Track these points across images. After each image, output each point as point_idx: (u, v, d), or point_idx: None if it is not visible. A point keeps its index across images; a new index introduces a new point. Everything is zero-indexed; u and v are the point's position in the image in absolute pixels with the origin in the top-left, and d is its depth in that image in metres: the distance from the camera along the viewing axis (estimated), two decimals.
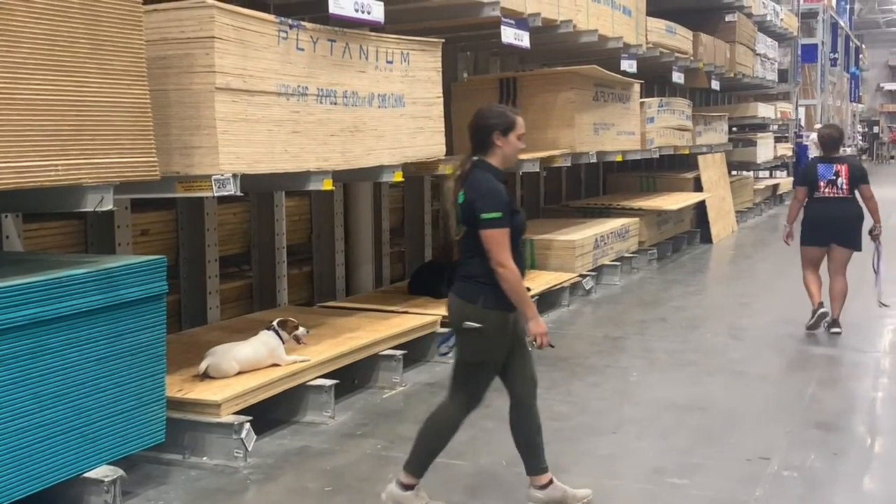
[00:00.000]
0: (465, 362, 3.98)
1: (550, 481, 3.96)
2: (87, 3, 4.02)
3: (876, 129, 46.97)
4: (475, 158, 3.95)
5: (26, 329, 3.69)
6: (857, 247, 7.33)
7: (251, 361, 5.17)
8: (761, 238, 14.61)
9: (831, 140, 7.61)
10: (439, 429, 3.99)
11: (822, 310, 7.43)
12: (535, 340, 3.82)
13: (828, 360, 6.77)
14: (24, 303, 3.67)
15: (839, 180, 7.23)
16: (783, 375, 6.44)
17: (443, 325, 6.78)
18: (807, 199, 7.49)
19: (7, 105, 3.68)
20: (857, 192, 7.37)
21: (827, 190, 7.30)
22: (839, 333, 7.32)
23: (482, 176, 3.88)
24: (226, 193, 4.78)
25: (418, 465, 3.94)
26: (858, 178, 7.38)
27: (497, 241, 3.75)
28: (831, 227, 7.33)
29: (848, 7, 32.43)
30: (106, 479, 3.96)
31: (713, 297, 10.10)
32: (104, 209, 4.22)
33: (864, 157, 40.78)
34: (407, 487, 3.91)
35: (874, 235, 7.44)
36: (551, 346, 3.89)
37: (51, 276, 3.82)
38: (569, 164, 9.41)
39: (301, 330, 5.43)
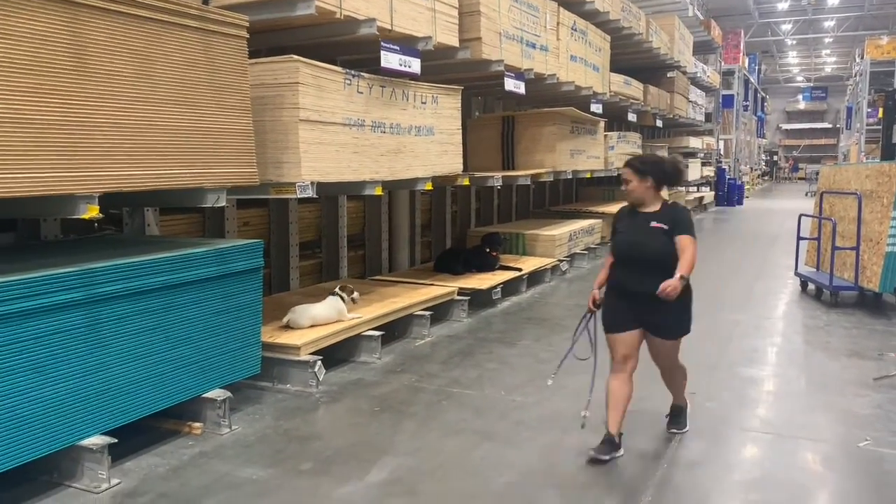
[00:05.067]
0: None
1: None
2: (210, 57, 4.06)
3: (776, 158, 46.71)
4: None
5: (162, 290, 3.73)
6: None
7: (322, 317, 5.21)
8: None
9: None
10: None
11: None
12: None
13: (740, 324, 6.73)
14: (160, 271, 3.72)
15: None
16: (704, 335, 6.40)
17: (459, 294, 6.82)
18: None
19: (150, 130, 3.72)
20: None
21: None
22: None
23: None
24: (305, 196, 4.81)
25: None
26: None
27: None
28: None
29: (757, 68, 32.14)
30: (218, 399, 4.02)
31: None
32: (219, 205, 4.27)
33: (766, 178, 40.53)
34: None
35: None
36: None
37: (180, 252, 3.86)
38: (552, 179, 9.39)
39: (355, 294, 5.46)
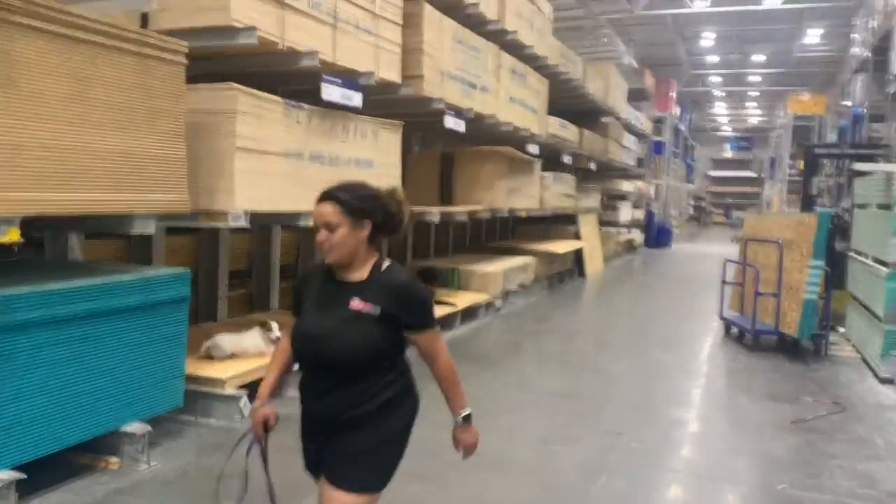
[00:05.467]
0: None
1: None
2: (146, 81, 3.99)
3: (703, 203, 48.44)
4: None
5: (83, 319, 3.60)
6: None
7: (243, 349, 5.09)
8: (621, 277, 14.89)
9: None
10: None
11: None
12: None
13: (665, 364, 6.89)
14: (82, 299, 3.59)
15: None
16: (632, 374, 6.54)
17: None
18: None
19: (81, 153, 3.62)
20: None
21: None
22: None
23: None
24: (238, 225, 4.73)
25: None
26: None
27: None
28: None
29: (687, 116, 33.45)
30: (137, 433, 3.88)
31: (586, 317, 10.26)
32: (148, 233, 4.16)
33: (693, 222, 41.93)
34: None
35: None
36: None
37: (102, 280, 3.74)
38: (489, 216, 9.50)
39: (275, 332, 5.11)
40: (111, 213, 3.83)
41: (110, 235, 5.59)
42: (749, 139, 50.69)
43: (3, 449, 3.25)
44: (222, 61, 5.39)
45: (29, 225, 3.50)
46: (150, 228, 4.10)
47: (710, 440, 4.87)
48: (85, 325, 3.61)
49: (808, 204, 10.26)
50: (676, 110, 27.68)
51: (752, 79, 32.49)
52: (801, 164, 16.86)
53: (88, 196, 3.65)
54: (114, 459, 3.83)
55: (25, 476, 3.28)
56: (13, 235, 3.26)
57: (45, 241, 4.89)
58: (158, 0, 4.19)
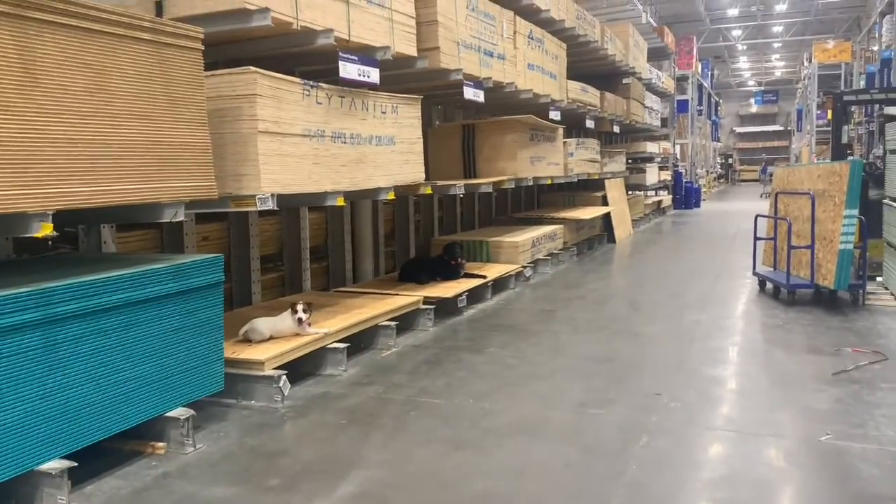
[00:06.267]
0: None
1: None
2: (165, 70, 4.00)
3: (730, 161, 47.69)
4: None
5: (121, 308, 3.65)
6: None
7: (280, 330, 5.15)
8: (651, 239, 14.75)
9: None
10: None
11: None
12: None
13: (701, 324, 6.84)
14: (118, 289, 3.64)
15: None
16: (668, 336, 6.50)
17: (425, 303, 6.80)
18: None
19: (105, 145, 3.65)
20: None
21: None
22: None
23: None
24: (266, 208, 4.76)
25: None
26: None
27: None
28: None
29: (710, 73, 32.82)
30: (181, 418, 3.93)
31: (618, 281, 10.19)
32: (177, 220, 4.20)
33: (721, 181, 41.30)
34: None
35: None
36: None
37: (137, 269, 3.79)
38: (513, 186, 9.44)
39: (300, 312, 5.14)
40: (139, 203, 3.86)
41: (143, 226, 5.66)
42: (775, 92, 49.69)
43: (53, 438, 3.33)
44: (239, 45, 5.40)
45: (62, 219, 3.55)
46: (179, 216, 4.14)
47: (751, 396, 4.83)
48: (123, 315, 3.66)
49: (838, 153, 10.03)
50: (698, 67, 27.16)
51: (774, 29, 31.74)
52: (829, 113, 16.46)
53: (115, 187, 3.69)
54: (160, 444, 3.91)
55: (76, 464, 3.36)
56: (46, 230, 3.31)
57: (79, 235, 4.96)
58: None
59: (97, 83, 3.61)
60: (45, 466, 3.27)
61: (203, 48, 4.27)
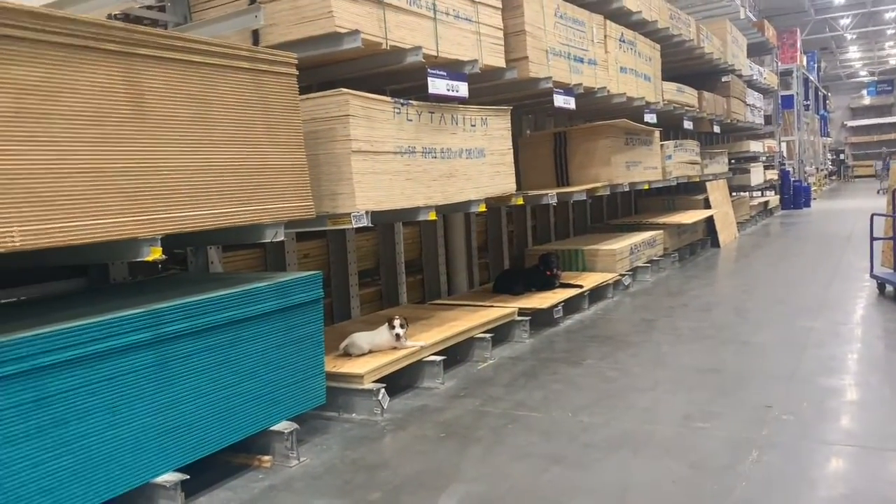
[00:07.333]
0: None
1: None
2: (262, 96, 4.15)
3: (843, 157, 45.17)
4: None
5: (227, 326, 3.80)
6: None
7: (378, 344, 5.22)
8: (757, 242, 14.12)
9: None
10: None
11: None
12: None
13: (814, 331, 6.48)
14: (224, 308, 3.79)
15: None
16: (778, 344, 6.19)
17: (520, 314, 6.76)
18: None
19: (208, 171, 3.82)
20: None
21: None
22: None
23: None
24: (361, 225, 4.85)
25: None
26: None
27: None
28: None
29: (816, 65, 31.23)
30: (286, 431, 4.05)
31: (723, 287, 9.80)
32: (278, 240, 4.34)
33: (833, 178, 39.14)
34: None
35: None
36: None
37: (242, 288, 3.93)
38: (608, 193, 9.26)
39: (397, 327, 5.21)
40: (241, 225, 4.02)
41: (247, 246, 5.89)
42: (889, 82, 46.72)
43: (166, 452, 3.49)
44: (331, 68, 5.55)
45: (170, 242, 3.74)
46: (279, 236, 4.28)
47: (872, 408, 4.52)
48: (229, 332, 3.81)
49: None
50: (803, 60, 25.90)
51: (887, 16, 29.90)
52: None
53: (219, 211, 3.85)
54: (266, 457, 4.03)
55: (188, 476, 3.52)
56: (156, 254, 3.49)
57: (188, 257, 5.21)
58: (265, 16, 4.35)
59: (200, 112, 3.79)
60: (160, 479, 3.44)
61: (297, 73, 4.41)
